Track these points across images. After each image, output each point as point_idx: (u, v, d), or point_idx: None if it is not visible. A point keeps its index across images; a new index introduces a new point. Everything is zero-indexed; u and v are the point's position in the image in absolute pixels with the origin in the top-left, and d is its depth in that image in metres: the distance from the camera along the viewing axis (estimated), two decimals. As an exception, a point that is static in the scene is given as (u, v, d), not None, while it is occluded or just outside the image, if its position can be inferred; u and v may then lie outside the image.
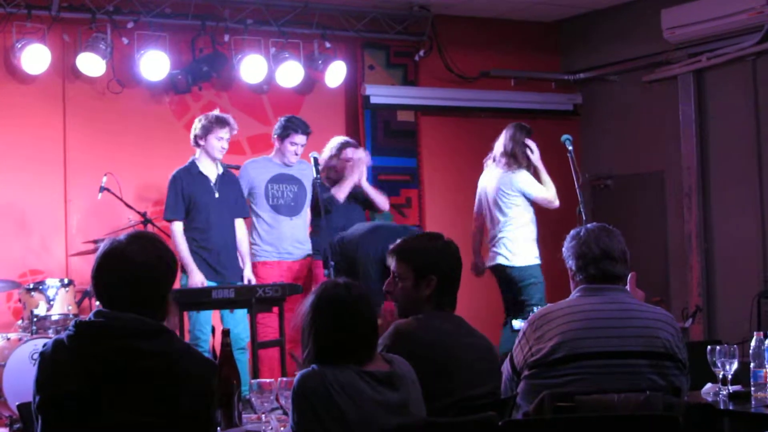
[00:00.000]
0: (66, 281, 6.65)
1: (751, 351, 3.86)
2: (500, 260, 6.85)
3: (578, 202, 6.49)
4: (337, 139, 7.32)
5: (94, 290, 2.87)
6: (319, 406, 2.89)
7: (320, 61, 8.07)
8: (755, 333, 3.94)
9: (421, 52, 8.61)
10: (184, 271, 6.51)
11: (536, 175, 6.90)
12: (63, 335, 2.79)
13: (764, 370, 3.81)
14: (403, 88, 8.62)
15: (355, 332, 3.03)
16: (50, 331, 6.44)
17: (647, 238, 8.35)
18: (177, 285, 6.25)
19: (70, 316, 6.52)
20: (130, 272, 2.81)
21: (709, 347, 3.87)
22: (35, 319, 6.44)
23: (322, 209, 6.78)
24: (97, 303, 2.87)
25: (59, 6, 7.29)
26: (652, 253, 8.30)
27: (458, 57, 8.77)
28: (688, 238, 8.20)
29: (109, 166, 7.14)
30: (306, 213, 7.14)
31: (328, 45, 8.11)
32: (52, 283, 6.58)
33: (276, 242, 6.98)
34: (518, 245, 6.81)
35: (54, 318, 6.50)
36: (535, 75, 9.16)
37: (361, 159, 7.12)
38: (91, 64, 7.31)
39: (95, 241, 6.72)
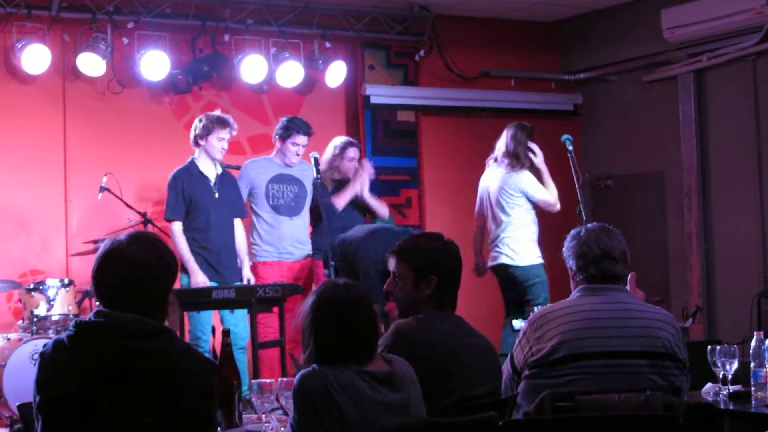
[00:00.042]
0: (66, 281, 6.65)
1: (751, 351, 3.86)
2: (504, 260, 6.84)
3: (578, 202, 6.50)
4: (340, 139, 7.34)
5: (95, 290, 2.87)
6: (320, 406, 2.90)
7: (320, 61, 8.07)
8: (755, 333, 3.95)
9: (422, 52, 8.61)
10: (185, 271, 6.51)
11: (539, 177, 6.89)
12: (63, 335, 2.79)
13: (764, 369, 3.81)
14: (403, 88, 8.62)
15: (355, 332, 3.03)
16: (50, 331, 6.44)
17: (647, 238, 8.36)
18: (177, 285, 6.29)
19: (71, 316, 6.52)
20: (131, 272, 2.81)
21: (709, 347, 3.87)
22: (35, 320, 6.44)
23: (323, 212, 6.80)
24: (98, 303, 2.87)
25: (59, 6, 7.29)
26: (652, 253, 8.30)
27: (458, 57, 8.77)
28: (688, 238, 8.20)
29: (109, 166, 7.14)
30: (306, 213, 7.14)
31: (328, 45, 8.11)
32: (52, 283, 6.58)
33: (276, 242, 6.99)
34: (521, 245, 6.82)
35: (54, 318, 6.50)
36: (535, 75, 9.16)
37: (365, 170, 7.14)
38: (91, 64, 7.31)
39: (95, 241, 6.72)
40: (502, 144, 6.94)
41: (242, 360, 6.57)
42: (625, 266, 3.69)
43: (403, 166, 8.58)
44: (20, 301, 6.75)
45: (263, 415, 3.32)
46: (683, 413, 3.15)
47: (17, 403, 3.44)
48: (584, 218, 6.28)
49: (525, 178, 6.83)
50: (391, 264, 3.61)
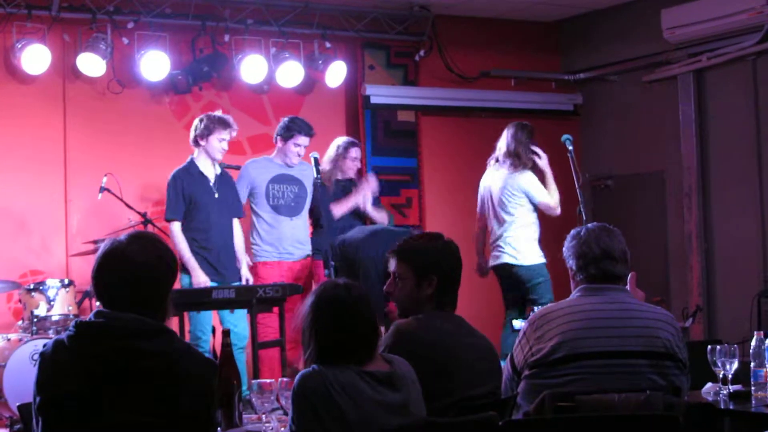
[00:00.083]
0: (66, 281, 6.65)
1: (751, 350, 3.86)
2: (507, 259, 6.84)
3: (578, 202, 6.50)
4: (342, 139, 7.36)
5: (95, 290, 2.87)
6: (320, 406, 2.90)
7: (320, 61, 8.07)
8: (755, 332, 3.95)
9: (422, 52, 8.61)
10: (185, 271, 6.51)
11: (543, 179, 6.88)
12: (63, 335, 2.80)
13: (764, 369, 3.81)
14: (403, 88, 8.62)
15: (355, 332, 3.03)
16: (50, 331, 6.44)
17: (647, 238, 8.36)
18: (177, 285, 6.29)
19: (71, 316, 6.52)
20: (131, 272, 2.81)
21: (709, 347, 3.87)
22: (35, 320, 6.44)
23: (323, 213, 6.80)
24: (98, 303, 2.87)
25: (59, 6, 7.29)
26: (652, 253, 8.30)
27: (458, 57, 8.77)
28: (688, 237, 8.20)
29: (109, 167, 7.14)
30: (306, 213, 7.15)
31: (328, 45, 8.11)
32: (52, 283, 6.58)
33: (276, 242, 6.99)
34: (524, 244, 6.81)
35: (54, 318, 6.50)
36: (536, 75, 9.16)
37: (369, 184, 7.16)
38: (91, 64, 7.31)
39: (95, 242, 6.72)
40: (503, 144, 6.93)
41: (241, 360, 6.57)
42: (625, 266, 3.69)
43: (403, 166, 8.58)
44: (20, 301, 6.75)
45: (263, 415, 3.32)
46: (683, 413, 3.15)
47: (17, 404, 3.44)
48: (584, 218, 6.28)
49: (527, 178, 6.83)
50: (391, 264, 3.61)
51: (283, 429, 3.23)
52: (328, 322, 3.04)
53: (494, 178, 6.95)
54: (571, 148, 6.70)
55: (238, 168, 7.10)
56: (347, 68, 8.14)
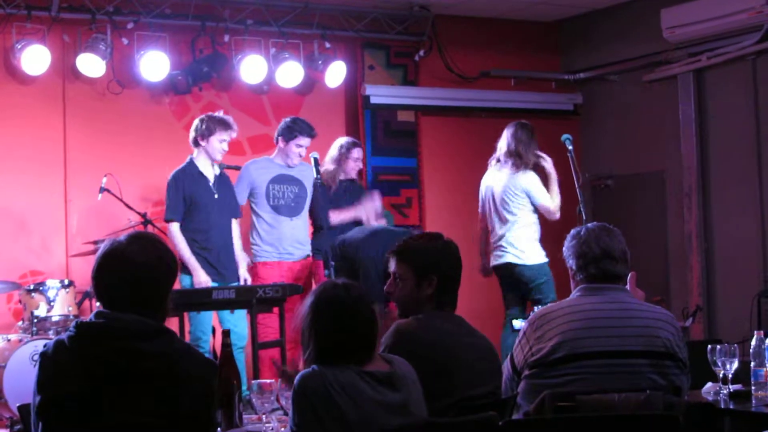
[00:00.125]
0: (66, 282, 6.65)
1: (751, 350, 3.86)
2: (510, 259, 6.82)
3: (578, 202, 6.49)
4: (344, 139, 7.38)
5: (95, 291, 2.87)
6: (320, 406, 2.90)
7: (320, 62, 8.07)
8: (755, 332, 3.95)
9: (421, 52, 8.61)
10: (186, 271, 6.51)
11: (546, 182, 6.87)
12: (64, 336, 2.80)
13: (765, 369, 3.81)
14: (403, 88, 8.62)
15: (354, 333, 3.03)
16: (51, 332, 6.43)
17: (647, 237, 8.35)
18: (177, 285, 6.30)
19: (71, 317, 6.52)
20: (131, 273, 2.81)
21: (709, 346, 3.88)
22: (35, 320, 6.44)
23: (321, 214, 6.80)
24: (98, 304, 2.87)
25: (59, 7, 7.28)
26: (652, 252, 8.30)
27: (458, 57, 8.77)
28: (688, 237, 8.20)
29: (109, 167, 7.14)
30: (306, 214, 7.15)
31: (328, 45, 8.11)
32: (52, 284, 6.58)
33: (276, 242, 6.99)
34: (527, 244, 6.81)
35: (54, 319, 6.50)
36: (535, 75, 9.16)
37: (373, 202, 7.17)
38: (91, 64, 7.31)
39: (95, 242, 6.72)
40: (503, 144, 6.92)
41: (240, 360, 6.57)
42: (625, 266, 3.69)
43: (403, 166, 8.58)
44: (20, 302, 6.75)
45: (263, 416, 3.32)
46: (683, 413, 3.15)
47: (17, 404, 3.44)
48: (584, 218, 6.28)
49: (530, 178, 6.82)
50: (391, 265, 3.61)
51: (283, 429, 3.23)
52: (327, 323, 3.04)
53: (496, 178, 6.94)
54: (571, 147, 6.70)
55: (238, 168, 7.11)
56: (347, 68, 8.14)
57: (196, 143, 6.66)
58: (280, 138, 7.09)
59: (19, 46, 7.13)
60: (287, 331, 6.17)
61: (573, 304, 3.62)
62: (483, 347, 3.55)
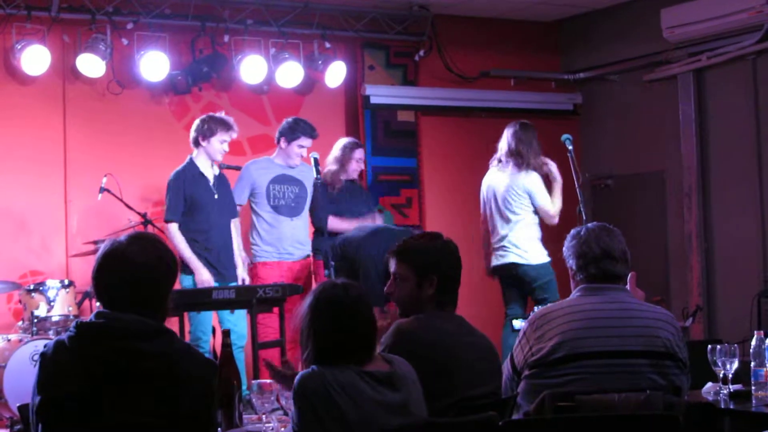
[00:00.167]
0: (66, 282, 6.65)
1: (751, 350, 3.86)
2: (513, 259, 6.81)
3: (578, 202, 6.49)
4: (347, 140, 7.37)
5: (95, 291, 2.88)
6: (320, 406, 2.89)
7: (320, 62, 8.07)
8: (755, 332, 3.95)
9: (421, 52, 8.60)
10: (187, 271, 6.50)
11: (550, 187, 6.86)
12: (64, 336, 2.80)
13: (765, 369, 3.81)
14: (403, 88, 8.62)
15: (354, 333, 3.03)
16: (51, 332, 6.43)
17: (647, 237, 8.35)
18: (178, 285, 6.30)
19: (71, 317, 6.52)
20: (131, 273, 2.81)
21: (709, 346, 3.88)
22: (36, 320, 6.44)
23: (320, 214, 6.82)
24: (98, 304, 2.87)
25: (59, 7, 7.28)
26: (652, 252, 8.30)
27: (458, 57, 8.76)
28: (688, 237, 8.20)
29: (109, 167, 7.14)
30: (307, 214, 7.15)
31: (327, 45, 8.11)
32: (52, 284, 6.58)
33: (276, 243, 7.00)
34: (530, 244, 6.80)
35: (54, 319, 6.50)
36: (535, 75, 9.16)
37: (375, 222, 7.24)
38: (90, 64, 7.31)
39: (95, 242, 6.72)
40: (504, 144, 6.91)
41: (240, 359, 6.57)
42: (625, 266, 3.69)
43: (403, 166, 8.57)
44: (20, 302, 6.75)
45: (263, 416, 3.32)
46: (683, 413, 3.15)
47: (17, 404, 3.44)
48: (584, 218, 6.28)
49: (532, 179, 6.81)
50: (391, 265, 3.61)
51: (283, 429, 3.23)
52: (326, 323, 3.03)
53: (498, 178, 6.92)
54: (570, 147, 6.70)
55: (238, 168, 7.11)
56: (347, 68, 8.14)
57: (197, 143, 6.66)
58: (282, 138, 7.09)
59: (19, 47, 7.13)
60: (287, 331, 6.17)
61: (573, 304, 3.62)
62: (483, 347, 3.55)
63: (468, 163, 8.33)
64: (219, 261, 6.64)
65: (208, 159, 6.68)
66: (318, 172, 6.72)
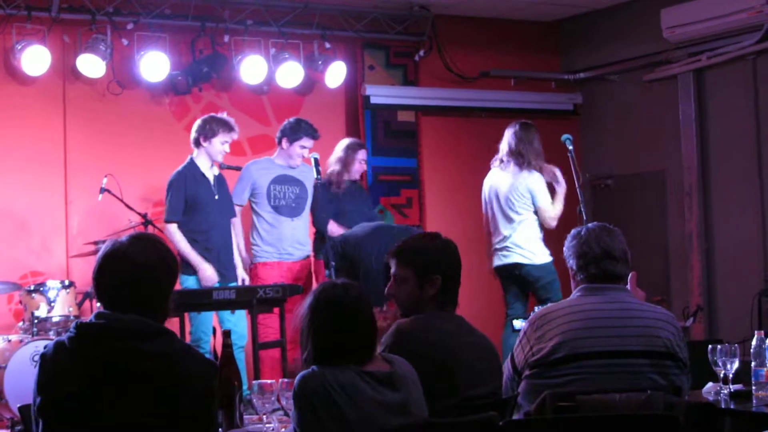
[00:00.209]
0: (67, 283, 6.65)
1: (752, 350, 3.86)
2: (517, 259, 6.79)
3: (578, 202, 6.49)
4: (349, 140, 7.38)
5: (96, 291, 2.88)
6: (320, 406, 2.89)
7: (320, 62, 8.07)
8: (756, 332, 3.94)
9: (421, 52, 8.60)
10: (189, 271, 6.50)
11: (552, 191, 6.86)
12: (64, 337, 2.80)
13: (765, 368, 3.81)
14: (403, 88, 8.62)
15: (354, 333, 3.03)
16: (51, 332, 6.43)
17: (648, 237, 8.35)
18: (178, 286, 6.30)
19: (71, 317, 6.52)
20: (131, 273, 2.81)
21: (710, 346, 3.87)
22: (36, 321, 6.44)
23: (321, 215, 6.83)
24: (98, 304, 2.87)
25: (59, 7, 7.28)
26: (652, 252, 8.30)
27: (458, 57, 8.76)
28: (688, 237, 8.20)
29: (109, 168, 7.14)
30: (307, 214, 7.15)
31: (328, 45, 8.11)
32: (52, 284, 6.57)
33: (276, 243, 7.00)
34: (533, 244, 6.80)
35: (55, 320, 6.49)
36: (535, 75, 9.16)
37: None
38: (91, 65, 7.31)
39: (96, 243, 6.72)
40: (504, 144, 6.91)
41: (240, 359, 6.57)
42: (625, 266, 3.69)
43: (404, 166, 8.57)
44: (21, 302, 6.75)
45: (264, 416, 3.32)
46: (684, 413, 3.15)
47: (18, 405, 3.44)
48: (584, 218, 6.27)
49: (535, 179, 6.80)
50: (391, 267, 3.60)
51: (284, 429, 3.23)
52: (326, 323, 3.03)
53: (500, 178, 6.90)
54: (571, 147, 6.69)
55: (238, 169, 7.11)
56: (347, 68, 8.14)
57: (198, 143, 6.66)
58: (283, 139, 7.08)
59: (19, 47, 7.13)
60: (288, 331, 6.17)
61: (573, 304, 3.62)
62: (483, 347, 3.54)
63: (468, 163, 8.33)
64: (219, 261, 6.64)
65: (209, 159, 6.68)
66: (318, 172, 6.72)
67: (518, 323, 5.74)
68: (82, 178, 7.43)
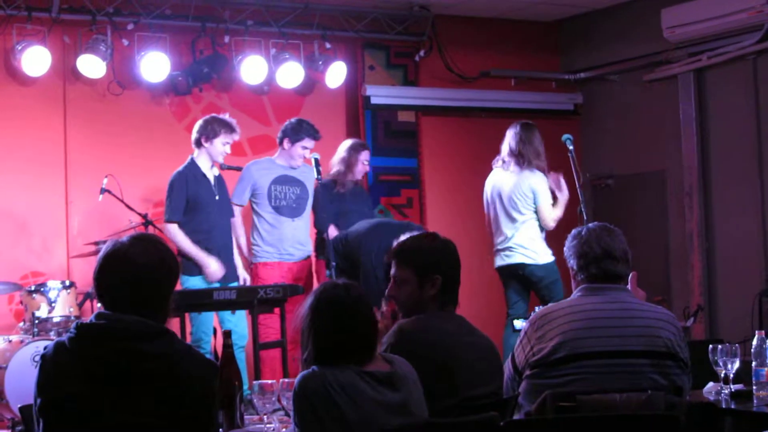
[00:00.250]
0: (67, 283, 6.65)
1: (752, 350, 3.86)
2: (521, 259, 6.78)
3: (579, 202, 6.49)
4: (352, 141, 7.37)
5: (96, 291, 2.88)
6: (320, 406, 2.90)
7: (320, 62, 8.07)
8: (757, 332, 3.94)
9: (422, 53, 8.60)
10: (190, 272, 6.49)
11: (554, 196, 6.86)
12: (64, 337, 2.80)
13: (766, 368, 3.81)
14: (403, 88, 8.62)
15: (355, 333, 3.03)
16: (52, 333, 6.44)
17: (648, 237, 8.35)
18: (185, 286, 6.31)
19: (72, 318, 6.52)
20: (132, 274, 2.81)
21: (710, 346, 3.87)
22: (37, 321, 6.44)
23: (322, 216, 6.83)
24: (99, 305, 2.87)
25: (59, 8, 7.28)
26: (653, 252, 8.30)
27: (458, 57, 8.76)
28: (689, 237, 8.20)
29: (109, 168, 7.14)
30: (308, 215, 7.15)
31: (328, 46, 8.11)
32: (53, 285, 6.58)
33: (277, 243, 7.00)
34: (536, 244, 6.80)
35: (55, 320, 6.50)
36: (536, 75, 9.16)
37: None
38: (91, 65, 7.31)
39: (96, 243, 6.72)
40: (506, 145, 6.91)
41: (241, 359, 6.57)
42: (626, 266, 3.68)
43: (404, 166, 8.58)
44: (21, 303, 6.75)
45: (265, 416, 3.32)
46: (685, 413, 3.15)
47: (19, 405, 3.44)
48: (585, 218, 6.27)
49: (538, 179, 6.79)
50: (392, 268, 3.60)
51: (284, 430, 3.23)
52: (327, 323, 3.03)
53: (503, 178, 6.88)
54: (571, 147, 6.69)
55: (239, 169, 7.11)
56: (347, 69, 8.14)
57: (199, 144, 6.66)
58: (285, 139, 7.08)
59: (19, 48, 7.13)
60: (288, 331, 6.17)
61: (574, 304, 3.61)
62: (484, 347, 3.54)
63: (468, 163, 8.33)
64: (220, 261, 6.63)
65: (209, 160, 6.68)
66: (319, 172, 6.73)
67: (519, 323, 5.74)
68: (83, 178, 7.43)
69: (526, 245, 6.79)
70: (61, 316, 6.51)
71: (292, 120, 7.17)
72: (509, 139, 6.89)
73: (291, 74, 7.90)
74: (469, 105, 8.83)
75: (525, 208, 6.80)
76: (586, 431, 3.06)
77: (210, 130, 6.61)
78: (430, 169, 8.68)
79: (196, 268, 6.53)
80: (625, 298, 3.63)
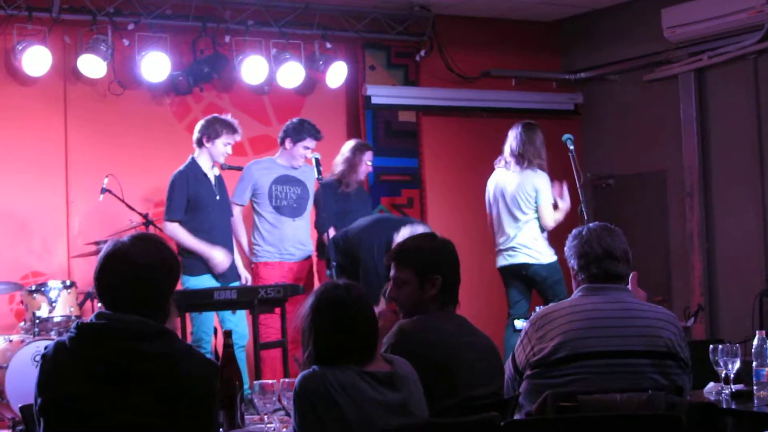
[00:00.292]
0: (68, 283, 6.65)
1: (753, 350, 3.86)
2: (524, 259, 6.78)
3: (580, 202, 6.49)
4: (355, 141, 7.37)
5: (97, 291, 2.88)
6: (320, 406, 2.90)
7: (321, 62, 8.07)
8: (757, 332, 3.94)
9: (422, 52, 8.61)
10: (192, 272, 6.49)
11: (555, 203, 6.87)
12: (65, 337, 2.80)
13: (766, 368, 3.81)
14: (404, 88, 8.62)
15: (355, 333, 3.03)
16: (52, 333, 6.44)
17: (649, 237, 8.35)
18: (186, 286, 6.31)
19: (72, 317, 6.52)
20: (133, 273, 2.81)
21: (711, 346, 3.87)
22: (37, 321, 6.45)
23: (323, 213, 6.82)
24: (100, 305, 2.87)
25: (60, 8, 7.28)
26: (653, 252, 8.30)
27: (459, 57, 8.76)
28: (689, 237, 8.20)
29: (110, 168, 7.14)
30: (308, 214, 7.15)
31: (328, 45, 8.11)
32: (54, 284, 6.58)
33: (278, 243, 7.00)
34: (539, 244, 6.79)
35: (56, 320, 6.50)
36: (536, 75, 9.16)
37: None
38: (92, 65, 7.31)
39: (97, 243, 6.72)
40: (507, 145, 6.91)
41: (241, 359, 6.58)
42: (626, 266, 3.68)
43: (405, 166, 8.58)
44: (22, 302, 6.75)
45: (265, 416, 3.32)
46: (685, 413, 3.15)
47: (19, 405, 3.44)
48: (585, 218, 6.27)
49: (541, 178, 6.79)
50: (391, 270, 3.60)
51: (285, 430, 3.23)
52: (328, 323, 3.04)
53: (506, 177, 6.88)
54: (572, 147, 6.69)
55: (239, 169, 7.11)
56: (348, 69, 8.14)
57: (201, 144, 6.65)
58: (287, 139, 7.07)
59: (20, 48, 7.13)
60: (289, 331, 6.17)
61: (575, 304, 3.61)
62: (484, 347, 3.54)
63: (469, 163, 8.33)
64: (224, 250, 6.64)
65: (210, 160, 6.68)
66: (320, 172, 6.73)
67: (519, 323, 5.74)
68: (83, 178, 7.43)
69: (530, 245, 6.78)
70: (61, 316, 6.51)
71: (294, 120, 7.17)
72: (511, 139, 6.89)
73: (291, 74, 7.90)
74: (469, 105, 8.83)
75: (528, 207, 6.80)
76: (586, 431, 3.06)
77: (212, 131, 6.61)
78: (430, 169, 8.68)
79: (201, 267, 6.52)
80: (626, 298, 3.63)
